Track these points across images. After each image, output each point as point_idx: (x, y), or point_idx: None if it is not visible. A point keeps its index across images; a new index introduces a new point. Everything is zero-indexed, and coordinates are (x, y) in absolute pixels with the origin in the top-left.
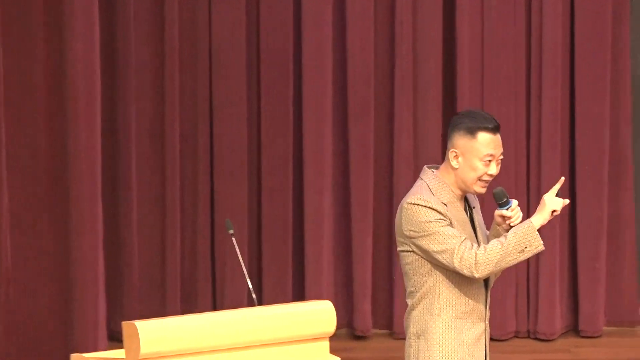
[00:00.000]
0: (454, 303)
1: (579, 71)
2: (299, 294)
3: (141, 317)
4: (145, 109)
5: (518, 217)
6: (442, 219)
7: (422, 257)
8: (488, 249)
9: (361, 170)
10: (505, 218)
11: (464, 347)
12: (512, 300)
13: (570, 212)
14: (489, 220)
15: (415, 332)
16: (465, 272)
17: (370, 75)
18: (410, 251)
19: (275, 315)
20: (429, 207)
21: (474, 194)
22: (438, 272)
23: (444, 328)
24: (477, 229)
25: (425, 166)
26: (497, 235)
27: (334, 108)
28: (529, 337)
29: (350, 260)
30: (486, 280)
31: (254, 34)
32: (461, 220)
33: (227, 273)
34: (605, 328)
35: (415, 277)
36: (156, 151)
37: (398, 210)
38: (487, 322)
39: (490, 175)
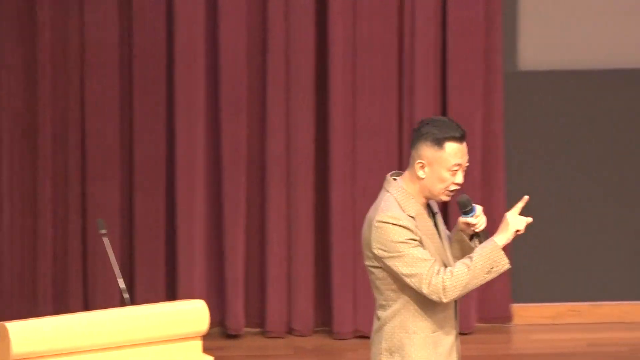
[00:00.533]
0: (428, 318)
1: (450, 70)
2: (172, 294)
3: (12, 318)
4: (16, 109)
5: (483, 223)
6: (413, 239)
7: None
8: (455, 274)
9: (233, 170)
10: (470, 225)
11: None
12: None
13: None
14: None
15: (388, 348)
16: (434, 297)
17: (242, 74)
18: (380, 267)
19: (148, 315)
20: (399, 226)
21: (438, 202)
22: (411, 289)
23: (421, 345)
24: (442, 236)
25: (387, 175)
26: (461, 240)
27: (206, 107)
28: None
29: (222, 259)
30: None
31: (126, 32)
32: (429, 233)
33: (99, 273)
34: (477, 325)
35: (388, 292)
36: (27, 150)
37: (366, 224)
38: (457, 330)
39: (457, 184)
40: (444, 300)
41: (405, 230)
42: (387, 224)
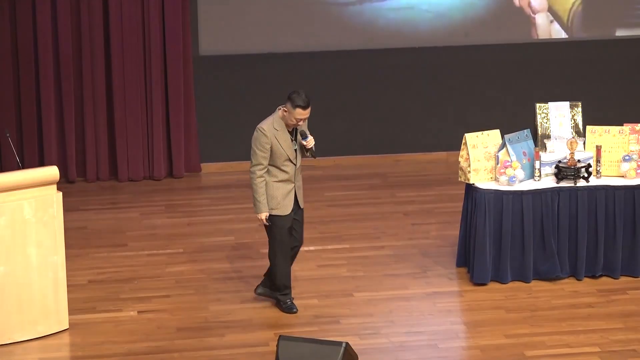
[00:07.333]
0: (276, 174)
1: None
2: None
3: None
4: None
5: (312, 145)
6: (266, 143)
7: None
8: (258, 185)
9: None
10: (304, 144)
11: (279, 195)
12: (141, 155)
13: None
14: None
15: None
16: (251, 175)
17: None
18: None
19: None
20: (264, 134)
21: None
22: (269, 163)
23: (270, 187)
24: (297, 145)
25: (279, 106)
26: (301, 151)
27: None
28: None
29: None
30: (294, 162)
31: None
32: (284, 139)
33: None
34: (185, 173)
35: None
36: None
37: None
38: (295, 182)
39: (300, 124)
40: (252, 178)
41: (264, 136)
42: (259, 130)
